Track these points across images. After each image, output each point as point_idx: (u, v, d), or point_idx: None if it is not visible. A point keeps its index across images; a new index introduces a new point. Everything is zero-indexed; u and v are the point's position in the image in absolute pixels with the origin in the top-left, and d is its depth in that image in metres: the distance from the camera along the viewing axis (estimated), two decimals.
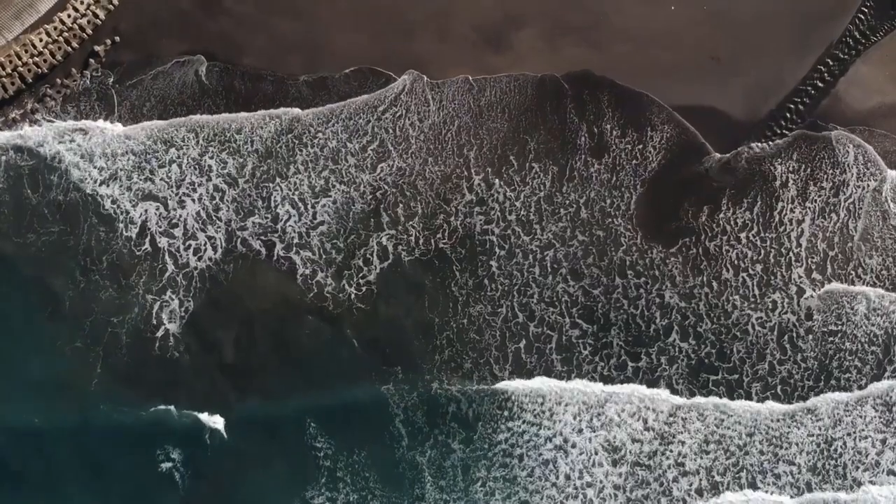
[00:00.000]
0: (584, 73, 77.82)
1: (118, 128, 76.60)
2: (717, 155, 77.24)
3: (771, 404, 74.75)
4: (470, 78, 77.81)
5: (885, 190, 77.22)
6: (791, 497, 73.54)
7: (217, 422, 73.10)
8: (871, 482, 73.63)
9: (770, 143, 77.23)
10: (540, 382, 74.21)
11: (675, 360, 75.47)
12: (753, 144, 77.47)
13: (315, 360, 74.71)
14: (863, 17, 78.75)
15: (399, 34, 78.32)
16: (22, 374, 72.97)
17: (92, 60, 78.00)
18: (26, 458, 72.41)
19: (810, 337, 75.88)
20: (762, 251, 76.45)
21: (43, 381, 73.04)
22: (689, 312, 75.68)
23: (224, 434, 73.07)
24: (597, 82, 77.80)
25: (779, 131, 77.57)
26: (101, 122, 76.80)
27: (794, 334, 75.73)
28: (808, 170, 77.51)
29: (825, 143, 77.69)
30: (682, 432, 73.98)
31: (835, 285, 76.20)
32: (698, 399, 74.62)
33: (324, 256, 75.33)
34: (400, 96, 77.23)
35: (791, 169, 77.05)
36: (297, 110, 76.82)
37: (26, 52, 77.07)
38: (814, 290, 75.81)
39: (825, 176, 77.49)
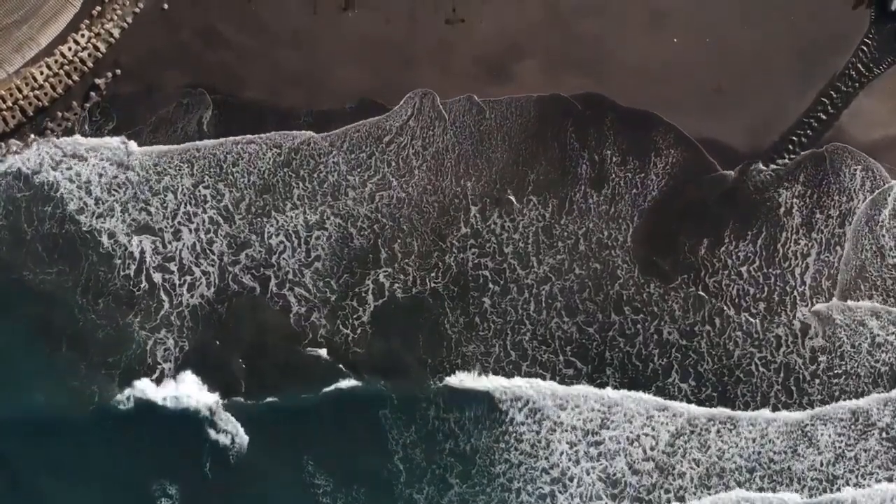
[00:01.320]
0: (587, 95, 77.81)
1: (133, 146, 76.73)
2: (725, 173, 76.95)
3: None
4: (475, 97, 77.80)
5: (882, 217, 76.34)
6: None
7: (214, 459, 72.70)
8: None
9: (779, 162, 76.21)
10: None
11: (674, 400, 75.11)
12: (762, 166, 76.65)
13: (311, 399, 74.32)
14: (865, 50, 78.25)
15: (400, 66, 78.24)
16: (18, 414, 73.23)
17: (93, 93, 77.89)
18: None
19: (816, 381, 74.94)
20: (765, 288, 75.44)
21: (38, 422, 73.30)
22: (689, 351, 74.67)
23: (222, 469, 72.70)
24: (599, 101, 77.63)
25: (781, 163, 76.61)
26: (114, 140, 77.00)
27: (800, 377, 74.73)
28: (815, 196, 76.95)
29: (832, 163, 77.33)
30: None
31: (839, 318, 75.20)
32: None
33: (318, 295, 74.73)
34: (408, 118, 77.31)
35: (797, 193, 76.61)
36: (308, 133, 77.23)
37: (27, 85, 77.13)
38: (819, 326, 74.84)
39: (832, 203, 76.96)
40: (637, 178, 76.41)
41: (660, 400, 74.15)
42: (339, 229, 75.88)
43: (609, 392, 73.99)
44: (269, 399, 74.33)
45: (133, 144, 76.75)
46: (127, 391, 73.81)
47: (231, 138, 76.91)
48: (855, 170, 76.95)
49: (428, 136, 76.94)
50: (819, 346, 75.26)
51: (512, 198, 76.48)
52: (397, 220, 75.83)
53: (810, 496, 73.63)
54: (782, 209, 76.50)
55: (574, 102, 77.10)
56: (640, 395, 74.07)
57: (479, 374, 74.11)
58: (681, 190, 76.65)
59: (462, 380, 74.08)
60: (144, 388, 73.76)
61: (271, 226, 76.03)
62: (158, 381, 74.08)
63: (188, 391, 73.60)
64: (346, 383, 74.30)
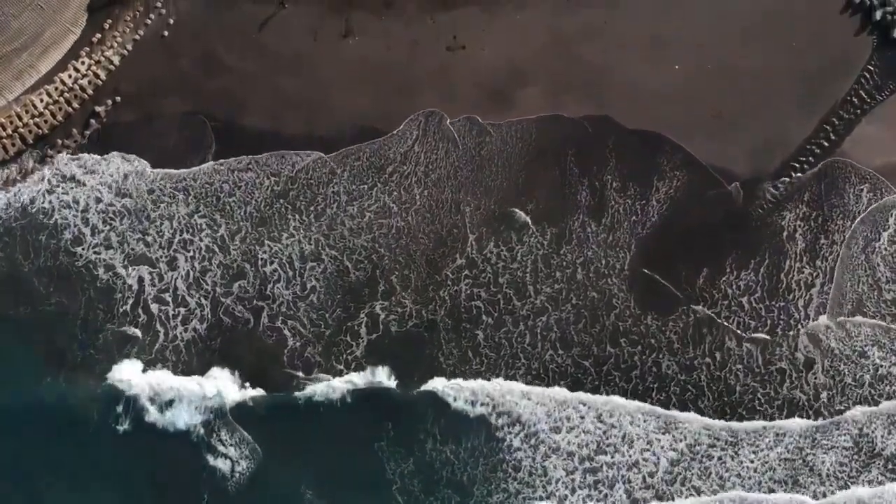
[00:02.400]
0: (590, 117, 77.60)
1: (146, 166, 77.00)
2: (729, 188, 76.34)
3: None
4: (478, 118, 77.59)
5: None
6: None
7: (210, 485, 72.75)
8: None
9: (780, 188, 75.85)
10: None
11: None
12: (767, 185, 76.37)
13: (307, 431, 74.27)
14: (867, 76, 77.83)
15: (401, 93, 78.16)
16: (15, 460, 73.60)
17: (93, 120, 77.79)
18: None
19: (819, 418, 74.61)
20: (768, 320, 75.12)
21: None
22: (689, 385, 74.35)
23: (220, 497, 72.87)
24: (602, 123, 77.41)
25: (783, 189, 76.18)
26: (131, 159, 77.06)
27: (804, 414, 74.44)
28: (819, 218, 76.43)
29: (836, 181, 76.90)
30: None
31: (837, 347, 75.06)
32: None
33: (312, 329, 74.67)
34: (413, 142, 77.19)
35: (801, 215, 76.05)
36: (317, 154, 77.28)
37: (27, 112, 77.17)
38: (819, 357, 74.54)
39: (836, 228, 76.36)
40: (637, 205, 76.00)
41: (662, 410, 73.52)
42: (334, 261, 75.39)
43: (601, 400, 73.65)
44: (265, 430, 74.01)
45: (140, 162, 77.16)
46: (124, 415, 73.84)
47: (231, 161, 76.94)
48: (861, 189, 76.22)
49: (432, 161, 76.76)
50: (821, 384, 74.48)
51: (520, 213, 75.82)
52: (394, 250, 75.44)
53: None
54: (785, 233, 75.84)
55: (577, 123, 77.13)
56: (639, 404, 73.56)
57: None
58: (682, 216, 76.07)
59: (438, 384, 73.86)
60: (142, 411, 73.50)
61: (266, 255, 75.67)
62: (153, 403, 73.72)
63: (185, 414, 73.41)
64: (341, 414, 73.74)
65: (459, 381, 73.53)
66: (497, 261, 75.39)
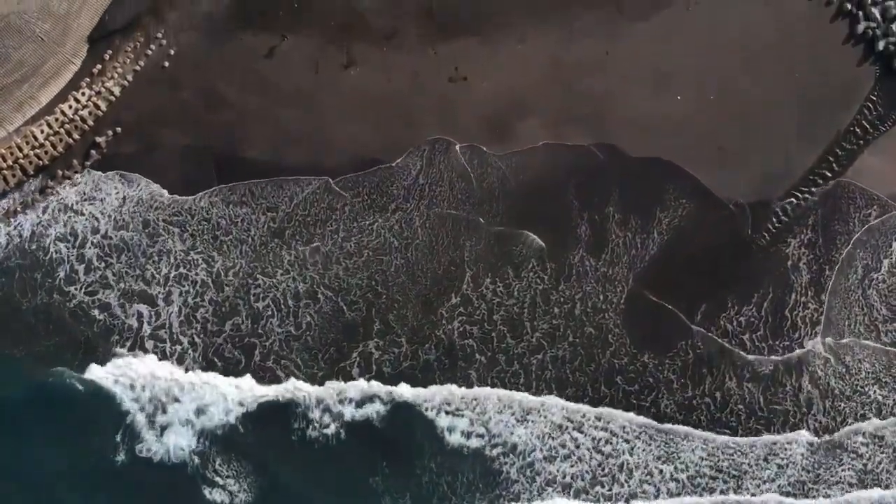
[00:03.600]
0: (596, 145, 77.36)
1: (144, 190, 77.20)
2: (732, 209, 76.37)
3: None
4: (483, 148, 77.38)
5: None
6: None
7: None
8: None
9: (782, 219, 75.49)
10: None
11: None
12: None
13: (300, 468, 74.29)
14: (871, 107, 77.57)
15: (403, 124, 77.86)
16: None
17: (93, 151, 77.54)
18: None
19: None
20: (770, 361, 75.06)
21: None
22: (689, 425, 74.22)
23: None
24: (607, 150, 77.22)
25: (785, 219, 75.97)
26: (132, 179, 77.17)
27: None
28: (824, 246, 76.24)
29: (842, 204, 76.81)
30: None
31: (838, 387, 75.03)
32: None
33: (305, 370, 74.57)
34: (417, 174, 77.05)
35: (805, 242, 75.98)
36: (319, 181, 77.28)
37: (27, 143, 76.85)
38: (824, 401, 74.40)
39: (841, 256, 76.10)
40: (638, 238, 75.55)
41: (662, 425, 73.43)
42: (329, 301, 75.16)
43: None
44: (262, 467, 74.00)
45: (139, 185, 76.91)
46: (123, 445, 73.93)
47: (227, 193, 76.71)
48: (869, 213, 76.05)
49: (436, 195, 76.60)
50: (822, 426, 74.35)
51: (521, 248, 75.76)
52: (391, 288, 75.14)
53: None
54: (790, 262, 75.51)
55: (580, 152, 76.91)
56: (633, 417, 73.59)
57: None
58: (684, 248, 75.85)
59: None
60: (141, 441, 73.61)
61: (259, 290, 75.54)
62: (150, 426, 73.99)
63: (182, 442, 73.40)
64: (336, 450, 73.73)
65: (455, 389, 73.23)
66: (493, 297, 75.04)
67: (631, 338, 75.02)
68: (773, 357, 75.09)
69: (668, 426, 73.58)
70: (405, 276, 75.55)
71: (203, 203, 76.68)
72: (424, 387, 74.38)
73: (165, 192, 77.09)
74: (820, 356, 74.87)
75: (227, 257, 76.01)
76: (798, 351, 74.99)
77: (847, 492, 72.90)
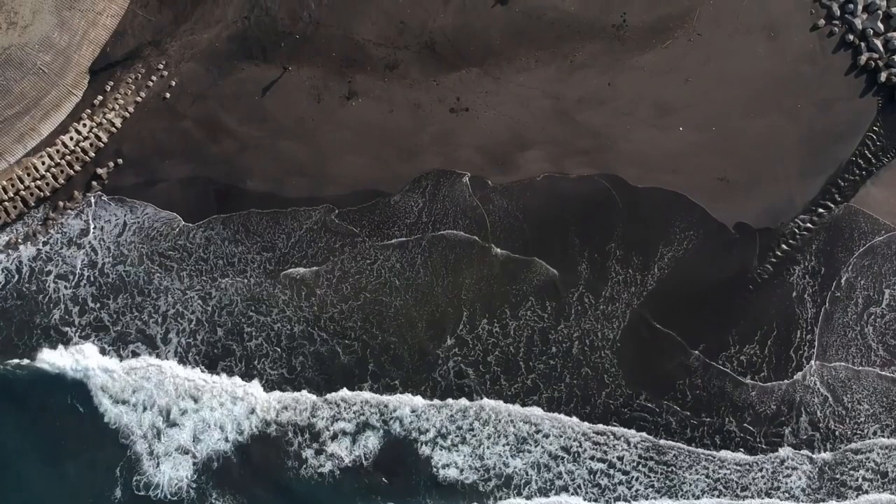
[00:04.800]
0: (599, 177, 77.09)
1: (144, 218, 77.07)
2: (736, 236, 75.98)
3: None
4: (489, 182, 77.23)
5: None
6: None
7: None
8: None
9: (784, 250, 75.29)
10: None
11: None
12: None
13: None
14: (873, 138, 77.33)
15: (404, 155, 77.74)
16: None
17: (94, 183, 77.40)
18: None
19: None
20: (772, 403, 74.78)
21: None
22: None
23: None
24: (610, 181, 76.96)
25: (788, 249, 75.76)
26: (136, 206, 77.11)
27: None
28: (829, 275, 75.77)
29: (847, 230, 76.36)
30: None
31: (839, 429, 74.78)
32: None
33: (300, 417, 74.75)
34: (420, 211, 76.81)
35: (809, 270, 75.45)
36: (324, 213, 76.89)
37: (28, 175, 76.81)
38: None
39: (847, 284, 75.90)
40: (638, 275, 75.22)
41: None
42: (325, 343, 75.15)
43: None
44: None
45: (140, 211, 77.11)
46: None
47: (222, 230, 76.75)
48: (875, 240, 75.92)
49: (437, 231, 76.26)
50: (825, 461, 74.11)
51: (521, 286, 75.13)
52: (387, 330, 75.04)
53: None
54: (794, 293, 75.05)
55: (583, 183, 76.66)
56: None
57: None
58: (685, 283, 75.48)
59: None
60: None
61: (252, 330, 75.48)
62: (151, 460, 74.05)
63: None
64: (330, 490, 73.80)
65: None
66: (489, 338, 74.76)
67: (627, 380, 74.57)
68: (770, 383, 74.71)
69: (665, 442, 73.30)
70: (403, 317, 75.17)
71: (198, 239, 76.37)
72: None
73: (169, 213, 77.23)
74: (818, 393, 74.31)
75: (223, 295, 75.41)
76: (794, 378, 74.66)
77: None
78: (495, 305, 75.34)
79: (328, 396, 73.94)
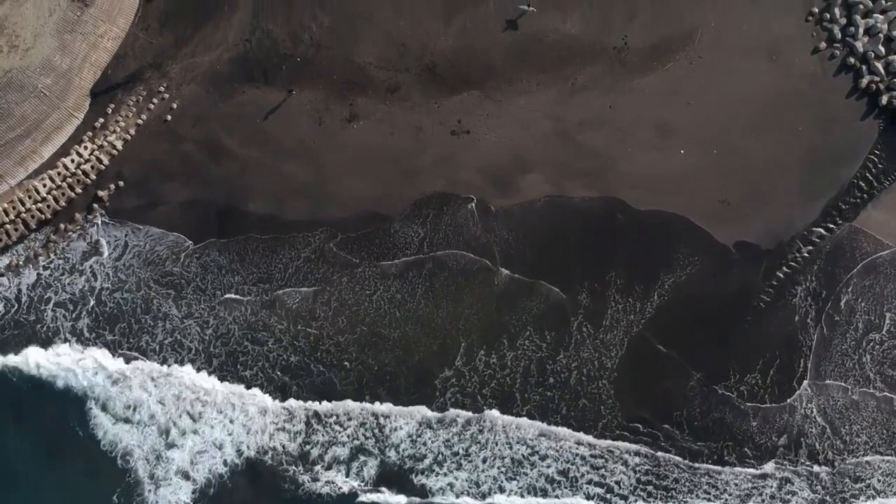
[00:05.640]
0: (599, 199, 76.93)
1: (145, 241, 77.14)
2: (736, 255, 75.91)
3: None
4: (492, 207, 77.17)
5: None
6: None
7: None
8: None
9: (785, 271, 75.16)
10: None
11: None
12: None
13: None
14: (874, 161, 77.26)
15: (406, 176, 77.73)
16: None
17: (95, 205, 77.38)
18: None
19: None
20: (773, 435, 74.75)
21: None
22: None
23: None
24: (612, 204, 76.83)
25: (788, 271, 75.72)
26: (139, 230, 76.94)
27: None
28: (833, 300, 75.57)
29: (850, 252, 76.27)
30: None
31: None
32: None
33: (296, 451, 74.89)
34: (421, 241, 76.50)
35: (811, 290, 75.18)
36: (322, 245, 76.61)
37: (30, 198, 76.79)
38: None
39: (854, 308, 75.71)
40: (637, 304, 75.08)
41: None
42: (321, 375, 75.19)
43: None
44: None
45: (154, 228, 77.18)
46: None
47: (217, 257, 76.87)
48: (879, 257, 75.66)
49: (437, 261, 76.21)
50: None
51: (521, 316, 75.07)
52: (383, 361, 75.03)
53: None
54: (797, 317, 74.91)
55: (585, 206, 76.54)
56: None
57: None
58: (687, 309, 75.22)
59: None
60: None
61: (248, 359, 75.58)
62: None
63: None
64: None
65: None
66: (486, 369, 74.62)
67: (623, 412, 74.42)
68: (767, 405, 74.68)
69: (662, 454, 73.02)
70: (401, 348, 75.16)
71: (194, 267, 76.36)
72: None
73: (175, 234, 77.40)
74: (817, 424, 74.36)
75: (221, 324, 75.52)
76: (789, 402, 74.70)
77: None
78: (494, 335, 75.13)
79: (324, 419, 73.42)
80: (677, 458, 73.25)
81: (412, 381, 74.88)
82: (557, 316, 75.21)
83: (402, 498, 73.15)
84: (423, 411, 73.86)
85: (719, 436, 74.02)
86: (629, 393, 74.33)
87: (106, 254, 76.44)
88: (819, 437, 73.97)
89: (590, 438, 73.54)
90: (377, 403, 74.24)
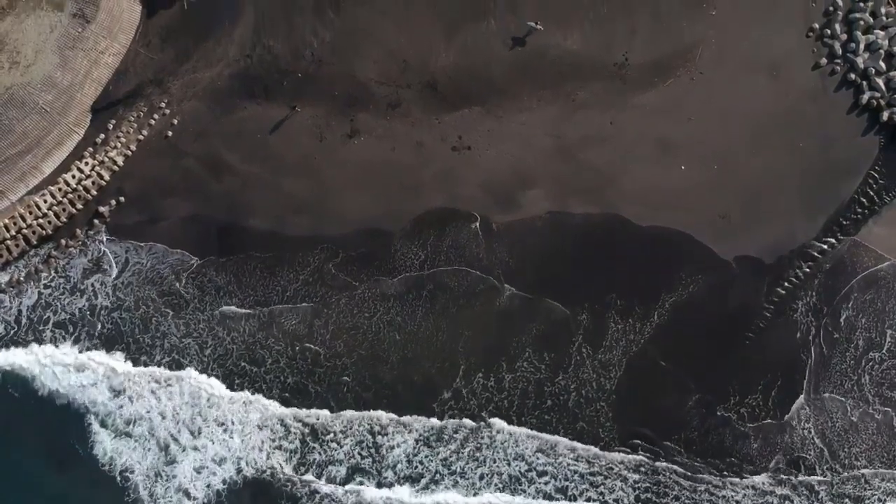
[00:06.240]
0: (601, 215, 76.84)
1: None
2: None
3: None
4: (494, 226, 76.90)
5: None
6: None
7: None
8: None
9: (786, 287, 75.12)
10: None
11: None
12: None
13: None
14: (875, 177, 77.26)
15: (407, 192, 77.64)
16: None
17: (96, 221, 77.36)
18: None
19: None
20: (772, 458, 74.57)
21: None
22: None
23: None
24: (613, 220, 76.70)
25: (790, 286, 75.66)
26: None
27: None
28: (835, 320, 75.26)
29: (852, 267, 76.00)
30: None
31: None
32: None
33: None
34: (423, 263, 76.39)
35: (811, 306, 75.01)
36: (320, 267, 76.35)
37: (31, 213, 76.78)
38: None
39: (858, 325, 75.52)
40: (637, 324, 74.95)
41: None
42: (318, 397, 75.21)
43: None
44: None
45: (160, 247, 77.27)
46: None
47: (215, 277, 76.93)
48: (880, 270, 75.44)
49: (440, 285, 76.13)
50: None
51: (521, 338, 75.21)
52: (381, 382, 74.98)
53: None
54: (799, 335, 74.63)
55: (586, 224, 76.46)
56: None
57: None
58: (687, 328, 75.02)
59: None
60: None
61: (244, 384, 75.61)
62: None
63: None
64: None
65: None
66: (483, 392, 74.42)
67: (621, 433, 74.28)
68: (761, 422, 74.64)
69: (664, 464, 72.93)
70: (399, 370, 75.06)
71: (191, 290, 76.32)
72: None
73: (179, 251, 77.39)
74: (816, 448, 74.26)
75: (220, 346, 75.59)
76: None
77: None
78: (493, 357, 75.03)
79: (321, 436, 73.52)
80: (677, 476, 72.76)
81: (411, 403, 74.75)
82: (557, 336, 75.01)
83: None
84: (422, 422, 73.58)
85: (719, 455, 73.71)
86: (627, 414, 74.10)
87: (114, 274, 76.25)
88: (818, 459, 73.63)
89: (590, 454, 73.28)
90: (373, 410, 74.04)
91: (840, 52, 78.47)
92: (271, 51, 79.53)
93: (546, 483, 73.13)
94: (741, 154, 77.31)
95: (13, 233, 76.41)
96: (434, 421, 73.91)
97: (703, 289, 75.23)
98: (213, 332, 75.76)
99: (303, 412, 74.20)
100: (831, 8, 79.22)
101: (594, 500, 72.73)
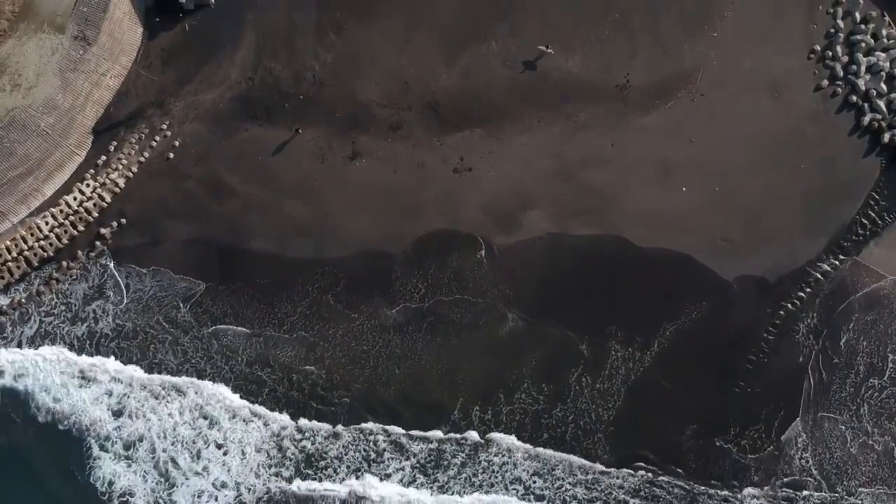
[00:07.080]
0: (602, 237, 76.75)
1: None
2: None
3: None
4: (496, 249, 76.87)
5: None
6: None
7: None
8: None
9: (789, 309, 75.09)
10: None
11: None
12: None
13: None
14: (876, 198, 77.25)
15: (408, 214, 77.64)
16: None
17: (98, 243, 77.34)
18: None
19: None
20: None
21: None
22: None
23: None
24: (614, 242, 76.64)
25: (792, 308, 75.56)
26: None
27: None
28: (838, 345, 75.25)
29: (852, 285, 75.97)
30: None
31: None
32: None
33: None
34: (424, 293, 76.21)
35: (812, 327, 74.98)
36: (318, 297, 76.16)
37: (32, 235, 76.78)
38: None
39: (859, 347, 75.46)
40: (636, 353, 74.82)
41: None
42: (311, 433, 75.21)
43: None
44: None
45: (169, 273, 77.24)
46: None
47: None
48: (882, 290, 75.38)
49: (443, 311, 76.10)
50: None
51: (519, 370, 75.17)
52: (378, 413, 75.05)
53: None
54: (800, 358, 74.55)
55: (585, 242, 76.35)
56: None
57: None
58: (687, 356, 74.89)
59: None
60: None
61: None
62: None
63: None
64: None
65: None
66: (481, 425, 74.39)
67: (618, 461, 74.15)
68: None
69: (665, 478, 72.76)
70: (398, 404, 75.03)
71: (188, 316, 76.47)
72: None
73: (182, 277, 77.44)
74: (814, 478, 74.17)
75: (217, 374, 75.65)
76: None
77: None
78: (491, 389, 74.97)
79: (314, 462, 73.74)
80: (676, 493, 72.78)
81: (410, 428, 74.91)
82: (556, 363, 74.97)
83: None
84: (420, 446, 73.44)
85: (716, 480, 73.54)
86: (626, 442, 73.91)
87: (125, 301, 76.07)
88: (816, 489, 73.52)
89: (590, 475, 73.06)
90: (370, 422, 74.17)
91: (841, 73, 78.55)
92: (273, 73, 79.57)
93: None
94: (742, 175, 77.27)
95: (14, 255, 76.37)
96: (432, 444, 73.60)
97: (705, 314, 74.93)
98: (213, 362, 75.83)
99: (299, 434, 73.79)
100: (832, 30, 79.28)
101: None
